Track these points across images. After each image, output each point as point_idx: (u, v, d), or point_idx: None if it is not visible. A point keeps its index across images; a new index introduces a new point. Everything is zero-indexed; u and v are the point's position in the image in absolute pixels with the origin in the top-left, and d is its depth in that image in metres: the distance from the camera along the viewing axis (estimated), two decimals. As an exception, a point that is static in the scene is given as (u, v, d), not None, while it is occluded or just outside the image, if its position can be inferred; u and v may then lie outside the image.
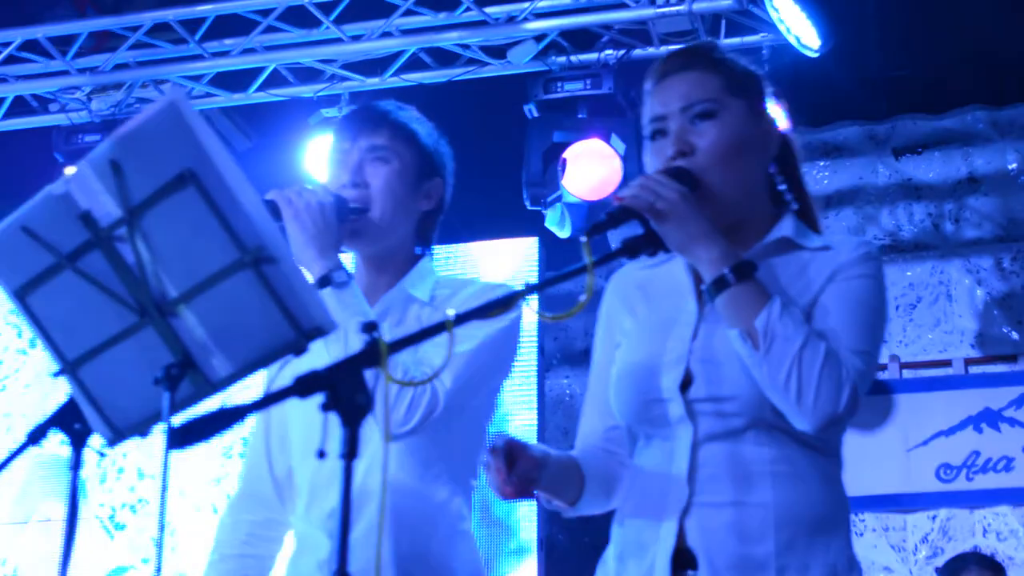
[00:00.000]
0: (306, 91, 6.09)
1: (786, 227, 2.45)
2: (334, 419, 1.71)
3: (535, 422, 6.07)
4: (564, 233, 5.71)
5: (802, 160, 2.56)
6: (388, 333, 2.49)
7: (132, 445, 2.21)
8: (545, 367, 6.50)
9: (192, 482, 6.17)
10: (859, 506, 6.49)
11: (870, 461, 6.46)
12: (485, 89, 5.99)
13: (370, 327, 1.74)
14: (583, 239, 2.16)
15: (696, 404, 2.36)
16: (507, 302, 1.94)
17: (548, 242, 6.12)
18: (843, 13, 6.12)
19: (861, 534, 6.50)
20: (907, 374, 6.68)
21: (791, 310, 2.28)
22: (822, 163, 7.13)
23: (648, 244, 2.29)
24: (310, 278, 2.69)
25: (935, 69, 6.51)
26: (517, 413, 6.02)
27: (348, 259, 2.87)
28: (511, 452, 2.34)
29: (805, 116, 7.02)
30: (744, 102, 2.43)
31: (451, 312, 1.82)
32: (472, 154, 5.30)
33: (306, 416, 2.76)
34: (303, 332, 1.93)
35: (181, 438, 1.66)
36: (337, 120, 4.01)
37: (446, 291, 2.86)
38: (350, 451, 1.66)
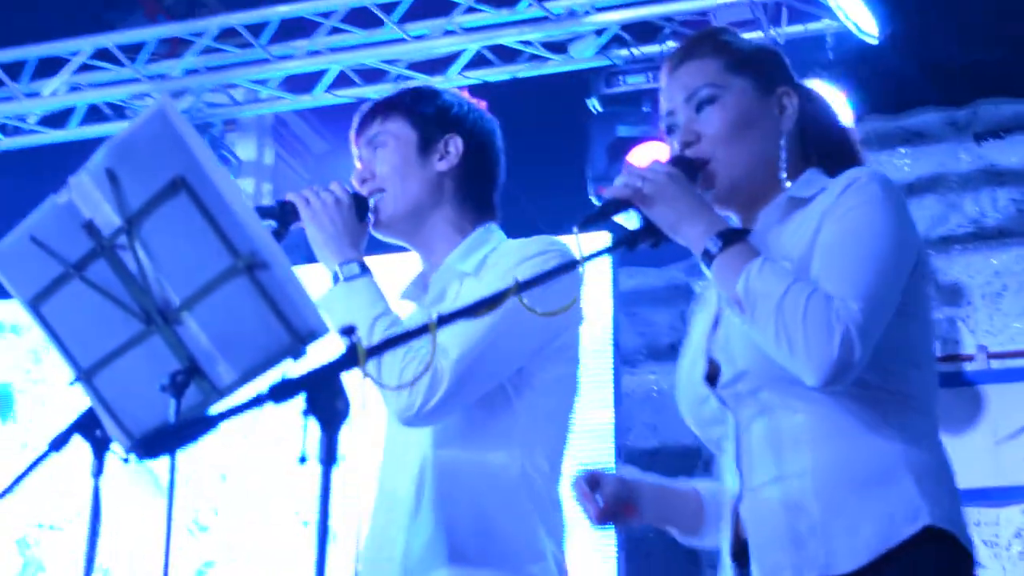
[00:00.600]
0: (371, 92, 6.09)
1: (795, 187, 2.38)
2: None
3: (612, 420, 6.01)
4: (633, 225, 5.68)
5: (835, 116, 2.53)
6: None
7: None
8: (625, 362, 6.45)
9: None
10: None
11: (958, 454, 6.24)
12: (548, 85, 5.98)
13: (348, 331, 1.73)
14: (575, 232, 2.14)
15: (727, 391, 2.31)
16: (495, 301, 1.92)
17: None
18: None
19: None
20: (995, 364, 6.55)
21: (773, 265, 2.18)
22: (903, 150, 7.03)
23: (647, 235, 2.26)
24: (328, 277, 2.70)
25: (1016, 52, 6.40)
26: (592, 411, 5.95)
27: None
28: (592, 479, 2.46)
29: (883, 103, 6.94)
30: (748, 79, 2.42)
31: (434, 314, 1.81)
32: (537, 150, 5.34)
33: None
34: (299, 336, 1.94)
35: (148, 449, 1.66)
36: None
37: (497, 258, 2.74)
38: (328, 456, 1.65)
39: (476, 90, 5.95)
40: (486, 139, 2.91)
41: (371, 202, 2.81)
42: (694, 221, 2.24)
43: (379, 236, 2.85)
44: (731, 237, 2.22)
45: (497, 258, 2.72)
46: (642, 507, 2.50)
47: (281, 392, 1.68)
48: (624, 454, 6.04)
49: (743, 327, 2.22)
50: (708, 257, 2.23)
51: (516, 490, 2.63)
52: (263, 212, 2.76)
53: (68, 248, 2.11)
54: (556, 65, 5.91)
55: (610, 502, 2.46)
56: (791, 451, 2.22)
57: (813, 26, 5.53)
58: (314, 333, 1.92)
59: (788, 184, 2.40)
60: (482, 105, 2.98)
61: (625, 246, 2.26)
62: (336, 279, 2.69)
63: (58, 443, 2.31)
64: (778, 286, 2.14)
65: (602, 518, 2.47)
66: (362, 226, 2.78)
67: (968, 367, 6.54)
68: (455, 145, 2.85)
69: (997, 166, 6.86)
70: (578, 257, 2.13)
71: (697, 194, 2.29)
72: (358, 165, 2.89)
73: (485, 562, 2.59)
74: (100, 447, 2.33)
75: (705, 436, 2.41)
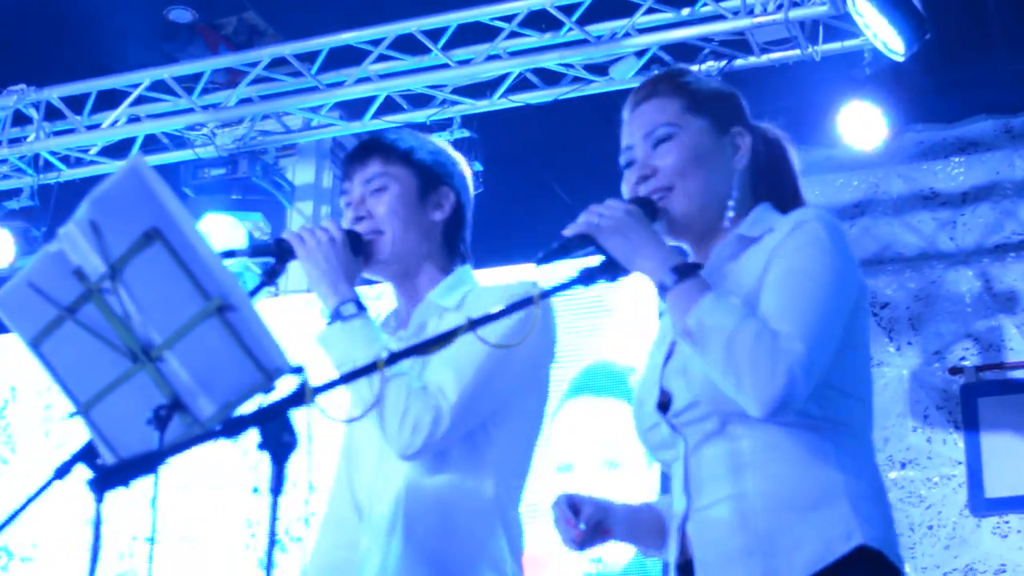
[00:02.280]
0: (419, 116, 6.26)
1: (745, 225, 2.51)
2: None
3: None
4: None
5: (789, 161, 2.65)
6: None
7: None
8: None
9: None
10: (1002, 507, 6.41)
11: (1012, 461, 6.38)
12: (591, 106, 6.08)
13: (297, 371, 1.86)
14: (535, 267, 2.26)
15: (677, 419, 2.43)
16: (446, 339, 2.04)
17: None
18: (963, 7, 6.07)
19: (1006, 536, 6.42)
20: (1050, 371, 6.57)
21: (724, 300, 2.29)
22: (957, 159, 7.06)
23: (605, 271, 2.37)
24: (327, 312, 2.83)
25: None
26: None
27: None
28: (573, 504, 2.58)
29: (936, 113, 6.98)
30: (705, 120, 2.55)
31: (384, 354, 1.93)
32: (582, 171, 5.44)
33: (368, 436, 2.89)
34: (267, 373, 2.09)
35: (101, 484, 1.79)
36: None
37: (475, 297, 2.90)
38: (276, 486, 1.78)
39: (520, 112, 6.11)
40: (467, 190, 3.07)
41: (367, 238, 2.92)
42: (650, 254, 2.36)
43: (367, 275, 2.99)
44: (686, 271, 2.34)
45: (476, 297, 2.87)
46: (615, 529, 2.61)
47: (233, 427, 1.81)
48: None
49: (695, 358, 2.34)
50: (663, 290, 2.35)
51: (489, 513, 2.78)
52: (261, 249, 2.90)
53: (61, 293, 2.27)
54: (598, 87, 6.02)
55: (589, 526, 2.58)
56: (736, 474, 2.34)
57: (850, 43, 5.58)
58: (280, 370, 2.07)
59: (731, 215, 2.51)
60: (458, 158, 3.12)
61: (582, 282, 2.35)
62: (334, 317, 2.80)
63: (62, 472, 2.45)
64: (728, 321, 2.25)
65: (580, 546, 2.59)
66: (356, 262, 2.89)
67: (1021, 374, 6.55)
68: (448, 198, 3.00)
69: (1052, 174, 6.87)
70: (535, 294, 2.23)
71: (653, 230, 2.41)
72: (346, 200, 3.02)
73: None
74: (103, 476, 2.46)
75: (656, 458, 2.53)
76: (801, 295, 2.30)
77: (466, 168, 3.10)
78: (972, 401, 6.58)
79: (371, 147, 3.03)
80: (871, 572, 2.26)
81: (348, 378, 2.00)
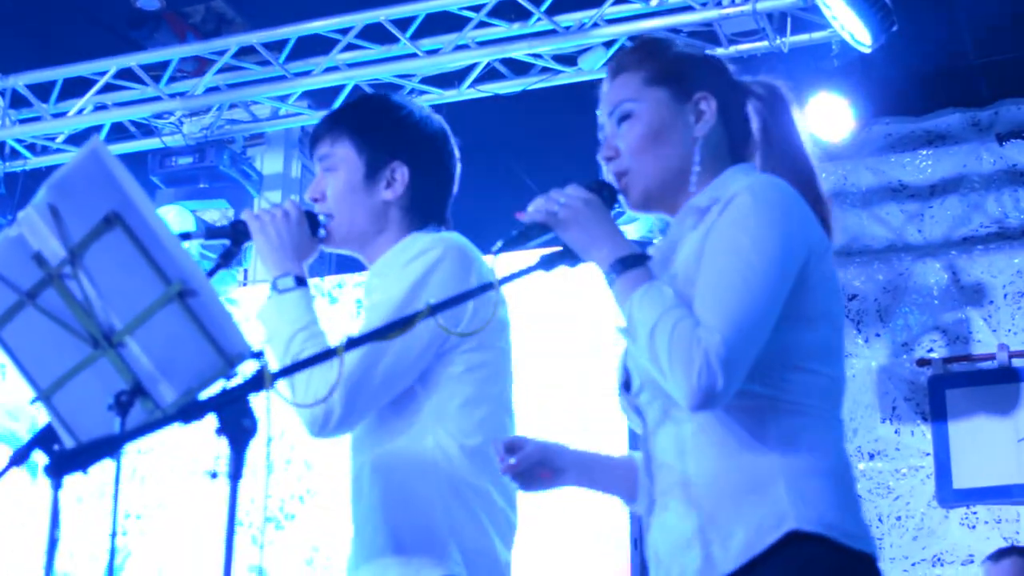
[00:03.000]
0: (387, 105, 6.23)
1: (699, 195, 2.45)
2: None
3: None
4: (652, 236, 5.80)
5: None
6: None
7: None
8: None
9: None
10: (971, 498, 6.45)
11: (981, 452, 6.41)
12: (560, 97, 6.07)
13: (257, 355, 1.85)
14: (493, 254, 2.25)
15: (636, 399, 2.42)
16: (405, 324, 2.03)
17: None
18: (931, 0, 6.09)
19: (974, 527, 6.45)
20: (1016, 363, 6.59)
21: (654, 292, 2.25)
22: (925, 151, 7.09)
23: (564, 257, 2.36)
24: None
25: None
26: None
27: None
28: (511, 444, 2.55)
29: (904, 106, 7.00)
30: (665, 89, 2.50)
31: (343, 339, 1.92)
32: (550, 161, 5.44)
33: None
34: (228, 358, 2.08)
35: (58, 469, 1.78)
36: None
37: (389, 258, 2.87)
38: (236, 471, 1.77)
39: (489, 102, 6.10)
40: (434, 158, 2.99)
41: (322, 219, 2.90)
42: (602, 245, 2.33)
43: (329, 251, 2.97)
44: (630, 263, 2.31)
45: (389, 258, 2.85)
46: (565, 471, 2.57)
47: (190, 413, 1.80)
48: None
49: None
50: (611, 282, 2.33)
51: (425, 474, 2.74)
52: (216, 232, 2.87)
53: (21, 278, 2.25)
54: (567, 77, 6.02)
55: (525, 463, 2.53)
56: (681, 460, 2.32)
57: (818, 35, 5.59)
58: (241, 355, 2.06)
59: (692, 184, 2.46)
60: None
61: (543, 267, 2.34)
62: (271, 290, 2.77)
63: (19, 458, 2.43)
64: (653, 314, 2.23)
65: (518, 479, 2.55)
66: (312, 241, 2.88)
67: (990, 366, 6.58)
68: (401, 174, 2.93)
69: (1019, 166, 6.90)
70: (494, 280, 2.22)
71: (610, 219, 2.38)
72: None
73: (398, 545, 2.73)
74: (60, 461, 2.44)
75: (637, 433, 2.51)
76: (722, 281, 2.24)
77: (435, 135, 3.01)
78: (940, 392, 6.61)
79: (323, 125, 3.00)
80: (808, 558, 2.19)
81: (303, 365, 1.98)
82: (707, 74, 2.56)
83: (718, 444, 2.28)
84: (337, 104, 6.27)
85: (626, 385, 2.46)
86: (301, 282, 2.78)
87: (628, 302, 2.27)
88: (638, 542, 6.09)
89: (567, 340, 6.00)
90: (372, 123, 2.96)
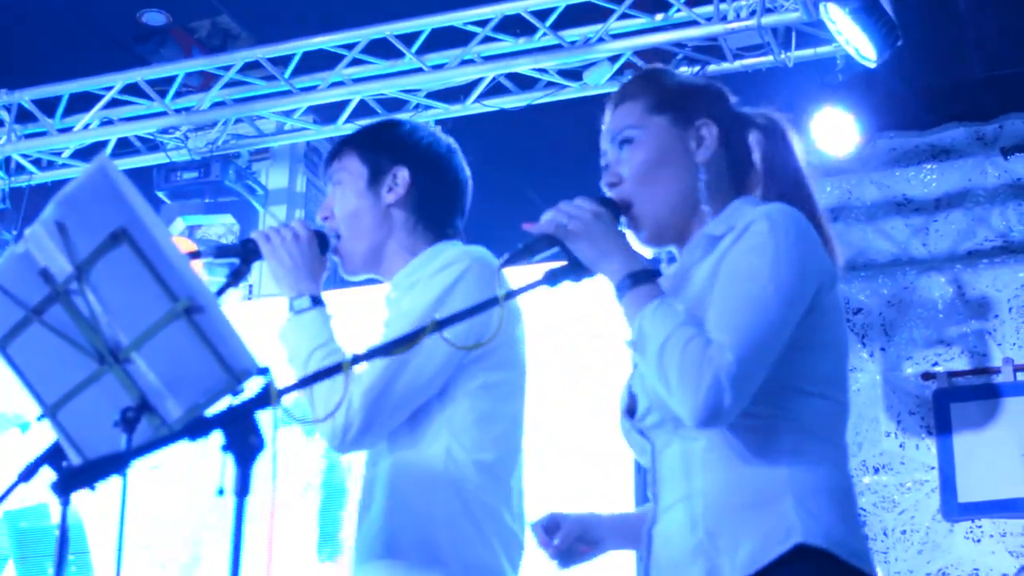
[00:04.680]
0: (392, 121, 6.24)
1: (712, 223, 2.47)
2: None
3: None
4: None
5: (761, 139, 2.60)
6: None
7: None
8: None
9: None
10: (976, 511, 6.43)
11: (986, 466, 6.40)
12: (565, 111, 6.08)
13: (263, 372, 1.85)
14: (500, 268, 2.25)
15: (642, 423, 2.44)
16: (411, 340, 2.04)
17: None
18: (936, 15, 6.10)
19: (979, 540, 6.44)
20: (1021, 377, 6.58)
21: (666, 308, 2.28)
22: (929, 166, 7.08)
23: (570, 272, 2.37)
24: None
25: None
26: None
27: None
28: (550, 524, 2.61)
29: (909, 120, 7.00)
30: (667, 116, 2.53)
31: (348, 356, 1.93)
32: (555, 176, 5.44)
33: None
34: (235, 374, 2.08)
35: (66, 486, 1.78)
36: None
37: (412, 272, 2.91)
38: (242, 488, 1.77)
39: (494, 117, 6.11)
40: (437, 165, 3.04)
41: (331, 239, 2.94)
42: (612, 259, 2.36)
43: (349, 279, 3.00)
44: (641, 278, 2.34)
45: (413, 269, 2.89)
46: (602, 541, 2.63)
47: (197, 429, 1.80)
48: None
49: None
50: (620, 296, 2.35)
51: (435, 485, 2.77)
52: (226, 250, 2.90)
53: (28, 294, 2.26)
54: (571, 92, 6.02)
55: (566, 543, 2.60)
56: (688, 476, 2.34)
57: (823, 50, 5.59)
58: (248, 371, 2.06)
59: (705, 210, 2.49)
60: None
61: (547, 283, 2.35)
62: (289, 311, 2.82)
63: (27, 474, 2.44)
64: (663, 329, 2.25)
65: (561, 558, 2.62)
66: (322, 260, 2.92)
67: (995, 380, 6.57)
68: (402, 176, 2.98)
69: (1024, 180, 6.90)
70: (500, 294, 2.23)
71: (619, 233, 2.41)
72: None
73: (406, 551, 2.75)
74: (67, 478, 2.44)
75: (642, 462, 2.52)
76: (737, 303, 2.26)
77: (439, 144, 3.06)
78: (945, 406, 6.60)
79: (335, 147, 3.07)
80: (814, 573, 2.21)
81: (311, 380, 1.99)
82: (708, 102, 2.59)
83: (727, 459, 2.30)
84: (342, 119, 6.31)
85: (629, 412, 2.47)
86: (317, 301, 2.83)
87: (639, 316, 2.29)
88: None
89: (574, 356, 5.99)
90: (377, 135, 3.05)
